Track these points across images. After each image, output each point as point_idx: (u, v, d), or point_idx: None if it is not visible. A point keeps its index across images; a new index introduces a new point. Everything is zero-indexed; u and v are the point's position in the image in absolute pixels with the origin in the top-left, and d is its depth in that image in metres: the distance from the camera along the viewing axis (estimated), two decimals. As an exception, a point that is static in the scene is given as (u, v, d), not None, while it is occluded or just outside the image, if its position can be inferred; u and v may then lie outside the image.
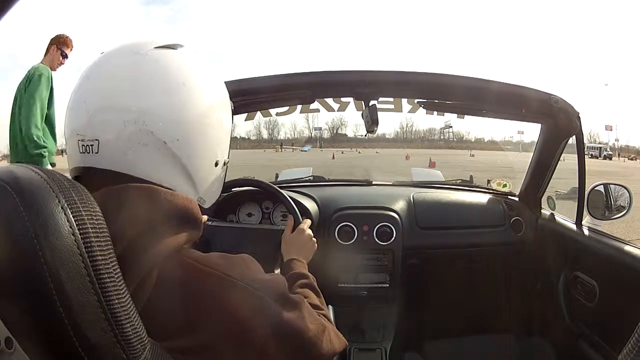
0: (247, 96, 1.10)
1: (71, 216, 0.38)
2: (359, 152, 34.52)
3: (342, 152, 31.86)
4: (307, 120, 66.94)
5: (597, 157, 35.93)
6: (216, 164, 0.57)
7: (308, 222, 0.97)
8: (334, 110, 1.31)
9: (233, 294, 0.47)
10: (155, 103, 0.49)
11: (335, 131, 66.86)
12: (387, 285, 1.41)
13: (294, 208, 1.04)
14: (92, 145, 0.49)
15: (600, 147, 39.36)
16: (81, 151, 0.50)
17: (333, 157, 18.55)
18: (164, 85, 0.50)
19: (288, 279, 0.77)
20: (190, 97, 0.52)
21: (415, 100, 1.23)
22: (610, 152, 39.30)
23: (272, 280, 0.53)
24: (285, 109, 1.28)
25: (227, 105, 0.60)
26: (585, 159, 1.22)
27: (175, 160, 0.51)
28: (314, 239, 0.94)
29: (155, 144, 0.49)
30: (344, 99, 1.29)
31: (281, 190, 1.10)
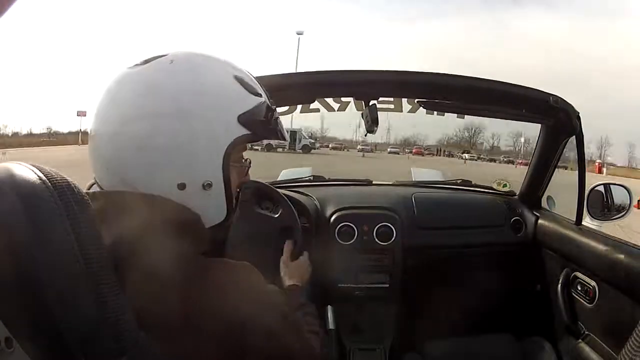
0: None
1: (66, 216, 0.38)
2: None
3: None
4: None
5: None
6: (182, 187, 0.49)
7: (306, 254, 1.00)
8: (334, 110, 1.31)
9: (234, 304, 0.48)
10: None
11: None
12: (387, 285, 1.41)
13: (300, 234, 1.02)
14: None
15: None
16: None
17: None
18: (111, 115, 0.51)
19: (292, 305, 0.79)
20: (131, 125, 0.49)
21: (416, 100, 1.23)
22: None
23: (274, 294, 0.54)
24: (285, 108, 1.28)
25: (199, 118, 0.49)
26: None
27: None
28: (309, 266, 0.98)
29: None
30: (344, 99, 1.29)
31: (287, 199, 1.06)
